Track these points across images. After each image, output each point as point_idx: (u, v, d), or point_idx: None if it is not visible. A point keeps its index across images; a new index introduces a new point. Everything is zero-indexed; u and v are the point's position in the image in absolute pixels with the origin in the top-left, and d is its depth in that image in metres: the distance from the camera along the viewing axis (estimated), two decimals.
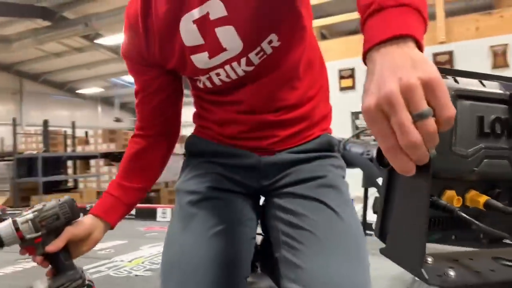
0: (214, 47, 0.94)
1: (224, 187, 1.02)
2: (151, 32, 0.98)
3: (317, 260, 0.87)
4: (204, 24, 0.92)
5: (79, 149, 8.90)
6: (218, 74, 0.98)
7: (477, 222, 0.58)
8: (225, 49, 0.94)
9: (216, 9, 0.90)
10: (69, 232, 0.95)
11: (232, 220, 0.97)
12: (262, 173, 1.03)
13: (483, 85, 0.60)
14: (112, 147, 8.68)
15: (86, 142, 9.40)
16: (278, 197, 1.01)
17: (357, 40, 4.45)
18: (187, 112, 1.09)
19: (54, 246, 0.93)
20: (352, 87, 4.74)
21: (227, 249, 0.93)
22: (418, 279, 0.58)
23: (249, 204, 1.04)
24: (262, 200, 1.10)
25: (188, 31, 0.94)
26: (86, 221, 1.01)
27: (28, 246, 0.92)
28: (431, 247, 0.68)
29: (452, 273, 0.58)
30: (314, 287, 0.83)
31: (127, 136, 9.75)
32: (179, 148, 9.48)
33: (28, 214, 0.92)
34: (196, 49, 0.95)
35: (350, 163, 1.36)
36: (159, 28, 0.97)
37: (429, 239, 0.64)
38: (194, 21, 0.92)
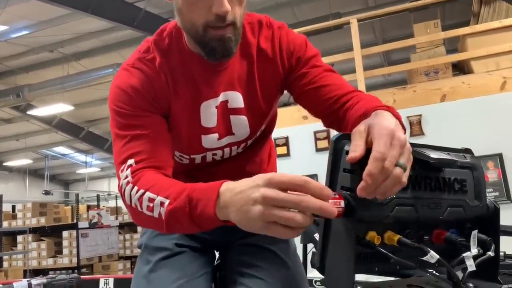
0: (224, 130, 1.07)
1: (186, 243, 1.15)
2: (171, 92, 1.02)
3: None
4: (223, 110, 1.06)
5: (5, 224, 8.38)
6: (214, 154, 1.11)
7: (391, 255, 0.75)
8: (233, 134, 1.09)
9: (235, 99, 1.06)
10: None
11: (191, 273, 1.10)
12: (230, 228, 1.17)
13: None
14: (42, 221, 8.27)
15: (13, 216, 8.89)
16: (234, 250, 1.16)
17: (289, 112, 4.80)
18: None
19: None
20: (287, 155, 4.99)
21: None
22: None
23: (205, 260, 1.17)
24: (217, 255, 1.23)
25: (208, 114, 1.05)
26: None
27: None
28: (363, 277, 0.83)
29: None
30: None
31: (58, 209, 9.30)
32: (114, 221, 9.15)
33: None
34: (208, 130, 1.06)
35: None
36: (182, 106, 1.03)
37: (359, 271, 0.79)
38: (217, 107, 1.05)
